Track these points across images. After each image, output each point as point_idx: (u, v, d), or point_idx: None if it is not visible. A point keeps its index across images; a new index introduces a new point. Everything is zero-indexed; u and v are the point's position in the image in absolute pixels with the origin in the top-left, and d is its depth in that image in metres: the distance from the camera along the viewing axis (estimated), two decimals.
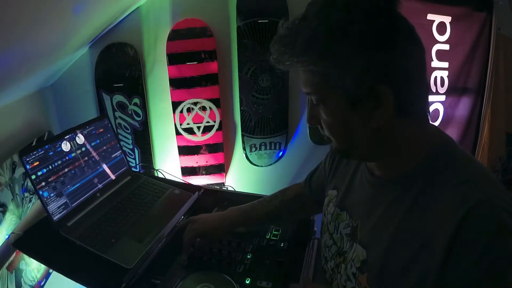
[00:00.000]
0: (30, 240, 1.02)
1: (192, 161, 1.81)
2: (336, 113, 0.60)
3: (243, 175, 1.92)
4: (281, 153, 1.84)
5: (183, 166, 1.81)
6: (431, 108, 1.80)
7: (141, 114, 1.73)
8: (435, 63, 1.74)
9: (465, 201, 0.53)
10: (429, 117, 0.64)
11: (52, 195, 1.02)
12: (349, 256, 0.69)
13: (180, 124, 1.75)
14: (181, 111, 1.73)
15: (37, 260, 1.02)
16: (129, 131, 1.76)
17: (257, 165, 1.87)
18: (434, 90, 1.77)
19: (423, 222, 0.57)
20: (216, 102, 1.72)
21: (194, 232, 0.94)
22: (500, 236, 0.50)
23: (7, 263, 1.08)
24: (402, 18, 0.57)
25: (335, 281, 0.73)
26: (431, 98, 1.76)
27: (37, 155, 1.00)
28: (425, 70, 0.61)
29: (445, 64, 1.76)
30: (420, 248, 0.56)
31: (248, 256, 0.94)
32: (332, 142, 0.65)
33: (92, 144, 1.20)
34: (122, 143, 1.74)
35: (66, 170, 1.08)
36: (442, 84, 1.78)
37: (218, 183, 1.86)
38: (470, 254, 0.51)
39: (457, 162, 0.60)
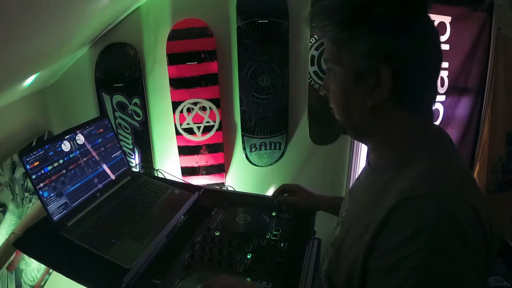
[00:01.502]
0: (30, 240, 1.02)
1: (192, 161, 1.81)
2: (342, 83, 0.65)
3: (243, 175, 1.92)
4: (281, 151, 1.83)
5: (183, 166, 1.81)
6: None
7: (141, 114, 1.73)
8: None
9: (404, 192, 0.55)
10: (432, 116, 0.67)
11: (52, 195, 1.02)
12: (335, 234, 0.75)
13: (180, 124, 1.75)
14: (181, 111, 1.73)
15: (37, 260, 1.02)
16: (129, 131, 1.76)
17: (257, 165, 1.87)
18: None
19: (376, 207, 0.59)
20: (216, 102, 1.72)
21: (286, 186, 1.13)
22: (423, 234, 0.50)
23: (7, 263, 1.08)
24: (427, 20, 0.61)
25: (324, 256, 0.79)
26: None
27: (37, 155, 1.00)
28: (436, 75, 0.64)
29: (445, 64, 1.76)
30: (364, 229, 0.59)
31: (248, 256, 0.94)
32: (334, 112, 0.70)
33: (92, 144, 1.20)
34: (122, 143, 1.74)
35: (66, 170, 1.08)
36: (442, 84, 1.78)
37: (218, 183, 1.86)
38: (388, 242, 0.53)
39: (430, 159, 0.60)
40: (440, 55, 0.63)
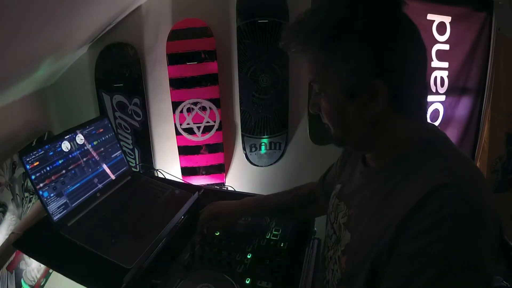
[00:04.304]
0: (30, 240, 1.02)
1: (192, 161, 1.81)
2: (334, 101, 0.64)
3: (243, 175, 1.92)
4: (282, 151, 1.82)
5: (183, 166, 1.81)
6: (431, 108, 1.80)
7: (141, 114, 1.73)
8: (435, 63, 1.74)
9: (433, 181, 0.55)
10: (427, 116, 0.66)
11: (52, 195, 1.02)
12: (341, 242, 0.73)
13: (180, 124, 1.75)
14: (181, 111, 1.73)
15: (37, 260, 1.02)
16: (129, 131, 1.76)
17: (257, 165, 1.87)
18: (434, 90, 1.77)
19: (394, 205, 0.58)
20: (216, 102, 1.72)
21: (209, 213, 1.03)
22: (449, 222, 0.51)
23: (7, 263, 1.08)
24: (405, 19, 0.59)
25: (328, 267, 0.77)
26: (431, 98, 1.76)
27: (37, 155, 1.00)
28: (425, 70, 0.63)
29: (445, 64, 1.76)
30: (384, 229, 0.58)
31: (248, 256, 0.94)
32: (330, 129, 0.69)
33: (92, 144, 1.20)
34: (122, 143, 1.74)
35: (66, 170, 1.08)
36: (442, 84, 1.78)
37: (218, 183, 1.86)
38: (413, 228, 0.53)
39: (441, 155, 0.61)
40: (425, 51, 0.61)
